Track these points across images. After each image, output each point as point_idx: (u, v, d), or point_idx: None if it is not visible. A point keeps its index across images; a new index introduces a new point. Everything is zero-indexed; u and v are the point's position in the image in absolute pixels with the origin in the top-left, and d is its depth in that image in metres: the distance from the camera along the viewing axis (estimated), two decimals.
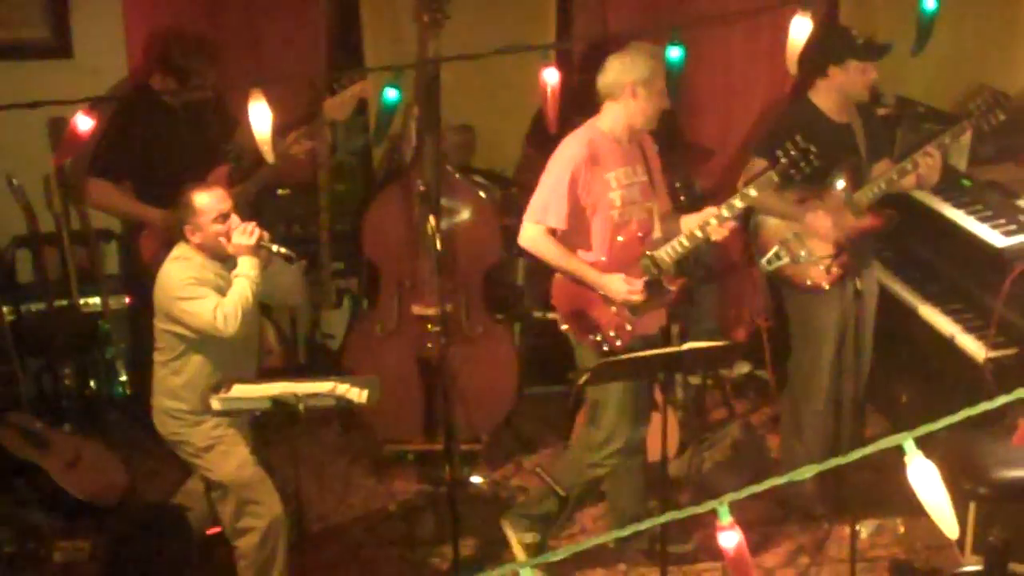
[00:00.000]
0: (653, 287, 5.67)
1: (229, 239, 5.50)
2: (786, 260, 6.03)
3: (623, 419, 5.81)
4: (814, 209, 6.02)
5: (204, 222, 5.47)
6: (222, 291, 5.47)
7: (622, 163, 5.70)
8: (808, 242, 6.02)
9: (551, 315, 6.92)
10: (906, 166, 5.99)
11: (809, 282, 6.09)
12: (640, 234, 5.72)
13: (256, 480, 5.62)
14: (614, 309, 5.68)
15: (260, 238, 5.50)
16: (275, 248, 5.57)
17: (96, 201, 6.80)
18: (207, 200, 5.49)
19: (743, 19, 7.06)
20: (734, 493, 2.74)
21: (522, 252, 6.01)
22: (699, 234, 5.62)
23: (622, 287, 5.61)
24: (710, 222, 5.59)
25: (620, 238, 5.67)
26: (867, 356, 6.30)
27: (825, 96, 6.09)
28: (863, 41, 5.98)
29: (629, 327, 5.70)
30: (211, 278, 5.51)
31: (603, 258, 5.67)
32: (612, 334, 5.69)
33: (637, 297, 5.62)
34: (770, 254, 6.05)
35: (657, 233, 5.78)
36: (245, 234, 5.50)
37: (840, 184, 6.04)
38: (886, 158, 6.30)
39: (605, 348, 5.69)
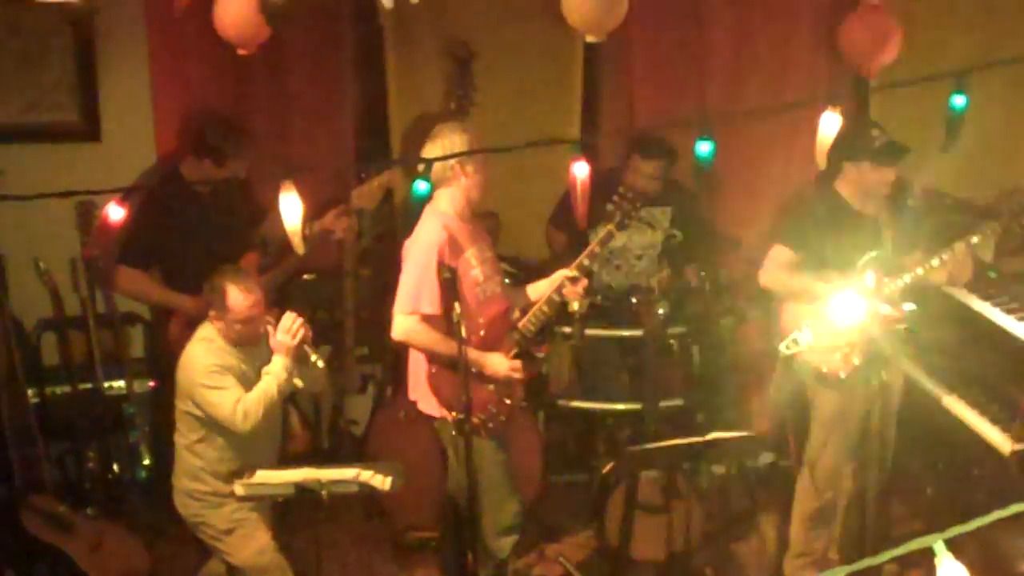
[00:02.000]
0: (524, 358, 5.75)
1: (262, 331, 5.53)
2: (804, 346, 6.02)
3: (502, 493, 5.85)
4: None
5: (230, 319, 5.51)
6: (244, 376, 5.50)
7: (472, 241, 5.76)
8: (828, 329, 6.01)
9: (575, 403, 6.96)
10: (932, 262, 5.97)
11: (825, 369, 6.07)
12: (503, 308, 5.79)
13: (275, 567, 5.62)
14: (491, 387, 5.72)
15: (304, 339, 5.53)
16: (314, 357, 5.59)
17: (126, 289, 6.83)
18: (240, 301, 5.52)
19: (771, 114, 7.07)
20: None
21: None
22: (556, 298, 5.73)
23: (504, 364, 5.67)
24: (565, 284, 5.69)
25: (485, 316, 5.72)
26: (890, 448, 6.25)
27: (847, 186, 6.11)
28: (881, 143, 5.99)
29: (508, 400, 5.76)
30: (234, 363, 5.54)
31: (476, 336, 5.68)
32: (494, 411, 5.74)
33: (519, 374, 5.70)
34: (788, 339, 6.05)
35: (516, 313, 5.85)
36: (288, 334, 5.51)
37: (869, 276, 6.02)
38: (918, 250, 6.28)
39: (490, 425, 5.73)
